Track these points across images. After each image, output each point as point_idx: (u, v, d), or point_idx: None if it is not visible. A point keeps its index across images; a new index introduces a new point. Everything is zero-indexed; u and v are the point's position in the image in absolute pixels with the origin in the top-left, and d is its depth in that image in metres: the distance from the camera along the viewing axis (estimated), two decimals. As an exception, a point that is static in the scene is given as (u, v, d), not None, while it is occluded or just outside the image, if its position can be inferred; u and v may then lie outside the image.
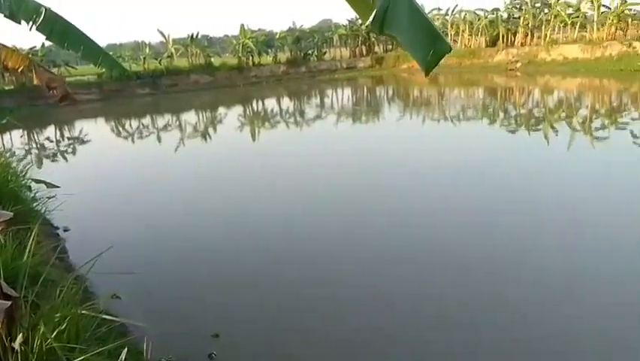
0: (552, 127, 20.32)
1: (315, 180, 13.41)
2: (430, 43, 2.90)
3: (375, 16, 2.85)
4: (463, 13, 50.88)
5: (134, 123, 29.59)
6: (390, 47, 57.81)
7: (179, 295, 7.10)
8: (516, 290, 6.77)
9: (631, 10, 39.57)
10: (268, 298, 6.89)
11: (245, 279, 7.61)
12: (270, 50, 53.43)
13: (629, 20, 39.85)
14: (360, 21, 55.27)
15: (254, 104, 36.47)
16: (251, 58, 50.59)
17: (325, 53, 57.39)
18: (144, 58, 44.59)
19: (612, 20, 39.27)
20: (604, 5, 40.26)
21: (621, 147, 15.76)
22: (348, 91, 42.34)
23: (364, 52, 57.04)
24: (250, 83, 47.62)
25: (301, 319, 6.40)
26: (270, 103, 36.07)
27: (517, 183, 12.13)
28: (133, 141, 23.51)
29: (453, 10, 51.88)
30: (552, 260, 7.60)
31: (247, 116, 30.09)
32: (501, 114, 24.54)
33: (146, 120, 30.65)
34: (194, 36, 47.38)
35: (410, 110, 28.37)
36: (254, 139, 22.51)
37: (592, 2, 40.26)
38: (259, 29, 55.14)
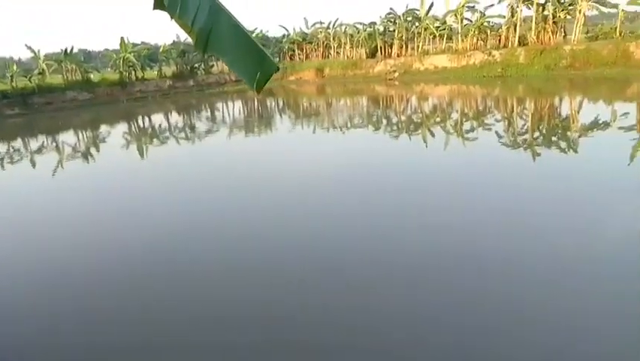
0: (429, 130, 22.16)
1: (214, 195, 13.36)
2: (257, 64, 2.97)
3: (197, 38, 2.90)
4: (343, 27, 53.36)
5: (2, 147, 26.95)
6: (278, 59, 58.77)
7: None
8: (389, 287, 7.42)
9: (489, 22, 44.37)
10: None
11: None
12: (154, 65, 51.66)
13: (488, 32, 44.65)
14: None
15: (140, 121, 35.00)
16: (134, 72, 48.50)
17: (213, 66, 56.79)
18: (11, 76, 40.73)
19: (474, 32, 43.71)
20: (466, 18, 44.68)
21: (489, 145, 17.74)
22: (238, 104, 42.32)
23: (252, 64, 57.22)
24: (134, 99, 45.61)
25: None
26: (158, 118, 34.87)
27: (400, 183, 13.13)
28: (2, 166, 21.42)
29: (334, 24, 54.20)
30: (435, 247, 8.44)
31: (133, 134, 28.83)
32: (384, 121, 26.20)
33: (17, 143, 28.06)
34: (69, 51, 44.32)
35: (302, 120, 29.14)
36: (142, 157, 21.69)
37: (456, 16, 44.46)
38: (142, 42, 53.05)
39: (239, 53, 2.99)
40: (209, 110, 38.24)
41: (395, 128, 23.90)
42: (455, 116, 25.79)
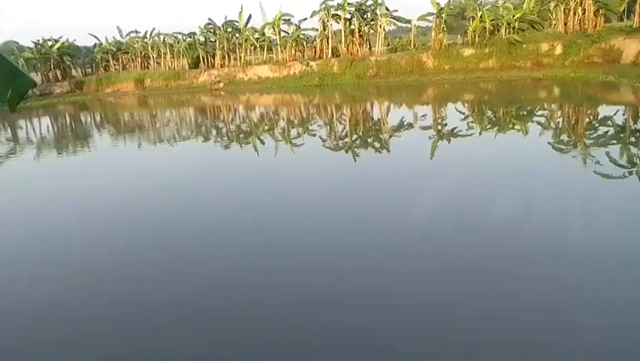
0: (259, 139, 22.78)
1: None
2: (8, 80, 2.77)
3: None
4: (162, 37, 51.46)
5: None
6: (90, 70, 54.17)
7: None
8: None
9: (304, 35, 47.15)
10: None
11: None
12: None
13: (305, 43, 47.41)
14: (50, 43, 50.38)
15: None
16: None
17: (9, 79, 49.74)
18: None
19: (291, 44, 46.03)
20: (283, 31, 46.80)
21: (315, 150, 18.98)
22: (46, 120, 37.88)
23: (59, 76, 51.73)
24: None
25: None
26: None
27: (230, 192, 13.36)
28: None
29: (151, 33, 51.95)
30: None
31: None
32: (214, 131, 26.11)
33: None
34: None
35: (124, 135, 27.37)
36: None
37: (273, 28, 46.31)
38: None
39: None
40: (8, 129, 33.55)
41: (225, 138, 24.02)
42: (282, 123, 26.91)
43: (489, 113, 25.18)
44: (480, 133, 20.08)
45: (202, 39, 49.85)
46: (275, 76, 44.44)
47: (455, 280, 7.45)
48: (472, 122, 22.73)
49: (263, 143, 21.83)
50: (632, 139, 17.33)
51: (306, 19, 45.68)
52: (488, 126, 21.57)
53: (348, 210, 11.01)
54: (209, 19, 49.44)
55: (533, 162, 14.60)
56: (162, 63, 51.92)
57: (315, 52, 45.91)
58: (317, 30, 45.57)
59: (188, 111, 37.38)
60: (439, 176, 13.85)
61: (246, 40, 47.54)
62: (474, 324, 6.30)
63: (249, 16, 47.39)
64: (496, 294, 6.99)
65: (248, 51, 48.51)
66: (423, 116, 25.19)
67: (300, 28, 46.24)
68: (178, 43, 50.47)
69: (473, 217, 10.05)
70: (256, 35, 47.76)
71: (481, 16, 38.85)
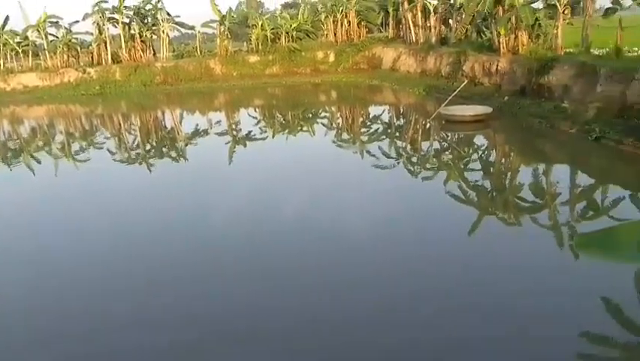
0: (32, 156, 19.97)
1: None
2: None
3: None
4: None
5: None
6: None
7: None
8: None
9: (77, 39, 42.74)
10: None
11: None
12: None
13: (79, 48, 43.00)
14: None
15: None
16: None
17: None
18: None
19: (62, 49, 41.30)
20: (51, 34, 41.71)
21: (102, 163, 17.51)
22: None
23: None
24: None
25: None
26: None
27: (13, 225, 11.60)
28: None
29: None
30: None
31: None
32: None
33: None
34: None
35: None
36: None
37: (38, 31, 40.91)
38: None
39: None
40: None
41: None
42: (60, 138, 24.05)
43: (279, 116, 26.65)
44: (273, 136, 21.15)
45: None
46: (45, 85, 39.29)
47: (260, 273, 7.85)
48: (264, 126, 23.76)
49: (39, 162, 19.18)
50: (397, 134, 20.39)
51: (77, 21, 41.57)
52: (279, 129, 22.84)
53: (146, 225, 10.57)
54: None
55: (322, 158, 16.07)
56: None
57: (92, 58, 42.05)
58: (92, 34, 41.84)
59: None
60: (238, 179, 14.20)
61: (4, 45, 41.02)
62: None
63: (7, 18, 40.94)
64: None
65: (8, 57, 41.93)
66: (217, 122, 25.33)
67: (71, 31, 41.82)
68: None
69: (274, 215, 10.68)
70: (17, 39, 41.58)
71: (262, 25, 40.70)
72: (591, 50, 20.11)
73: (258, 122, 25.11)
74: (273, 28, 40.99)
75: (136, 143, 21.98)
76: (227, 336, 6.55)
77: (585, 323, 6.30)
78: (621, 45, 18.52)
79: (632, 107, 14.83)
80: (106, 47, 41.22)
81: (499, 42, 23.14)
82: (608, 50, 19.13)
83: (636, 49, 19.54)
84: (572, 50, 21.18)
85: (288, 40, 40.64)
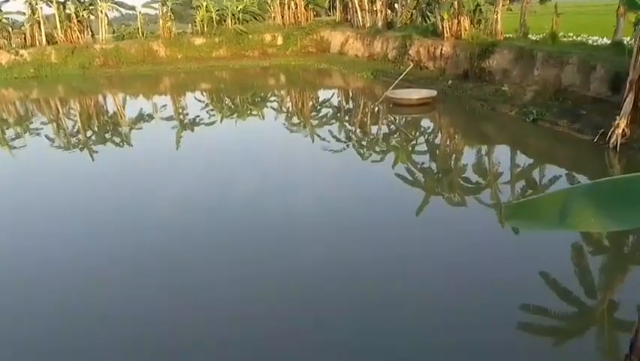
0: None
1: None
2: None
3: None
4: None
5: None
6: None
7: None
8: None
9: (9, 19, 40.09)
10: None
11: None
12: None
13: (10, 29, 40.32)
14: None
15: None
16: None
17: None
18: None
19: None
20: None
21: (40, 150, 16.67)
22: None
23: None
24: None
25: None
26: None
27: None
28: None
29: None
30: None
31: None
32: None
33: None
34: None
35: None
36: None
37: (-37, 10, 38.04)
38: None
39: None
40: None
41: None
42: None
43: (227, 100, 26.19)
44: (222, 120, 20.82)
45: None
46: (-27, 68, 36.73)
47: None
48: (212, 110, 23.31)
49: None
50: (347, 117, 20.57)
51: (8, 0, 38.97)
52: (228, 113, 22.49)
53: (90, 214, 10.23)
54: None
55: (272, 143, 16.00)
56: None
57: (25, 39, 39.60)
58: (24, 14, 39.32)
59: None
60: (187, 165, 13.93)
61: None
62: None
63: None
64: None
65: None
66: (163, 106, 24.58)
67: (1, 11, 39.23)
68: None
69: (223, 200, 10.60)
70: (-64, 18, 38.50)
71: (207, 6, 39.62)
72: (529, 36, 21.00)
73: (206, 105, 24.58)
74: (218, 10, 40.06)
75: (76, 128, 21.02)
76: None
77: (524, 294, 6.73)
78: (557, 30, 19.49)
79: (566, 89, 15.70)
80: (40, 28, 38.93)
81: (442, 27, 23.71)
82: (544, 35, 20.03)
83: (571, 34, 20.55)
84: (511, 36, 22.00)
85: (235, 23, 39.84)
